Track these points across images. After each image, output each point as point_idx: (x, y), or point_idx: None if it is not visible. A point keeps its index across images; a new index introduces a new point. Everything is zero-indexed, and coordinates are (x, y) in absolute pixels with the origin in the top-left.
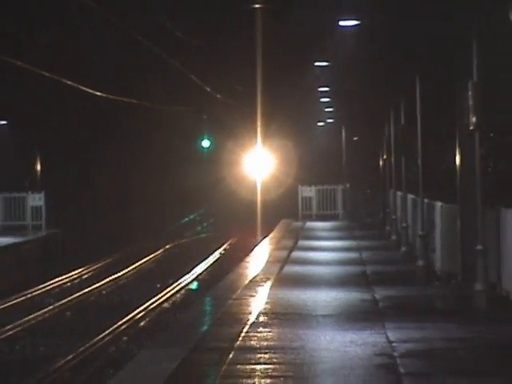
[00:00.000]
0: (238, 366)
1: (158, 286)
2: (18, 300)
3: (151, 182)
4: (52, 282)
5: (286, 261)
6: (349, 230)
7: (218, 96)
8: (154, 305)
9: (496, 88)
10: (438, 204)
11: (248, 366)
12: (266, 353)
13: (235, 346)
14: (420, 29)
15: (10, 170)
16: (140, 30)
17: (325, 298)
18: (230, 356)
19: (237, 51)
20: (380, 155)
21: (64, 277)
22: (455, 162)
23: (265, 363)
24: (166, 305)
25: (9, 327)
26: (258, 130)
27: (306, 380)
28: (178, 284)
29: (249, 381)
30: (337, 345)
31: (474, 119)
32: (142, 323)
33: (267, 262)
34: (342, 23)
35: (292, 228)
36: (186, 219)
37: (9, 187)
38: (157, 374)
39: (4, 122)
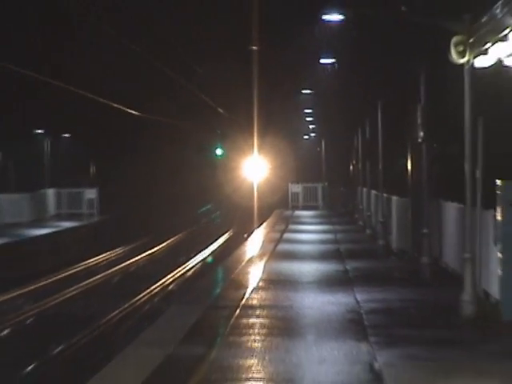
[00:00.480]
0: (243, 320)
1: (182, 259)
2: (76, 270)
3: (178, 182)
4: (101, 256)
5: (279, 240)
6: (326, 217)
7: (227, 115)
8: (179, 273)
9: (438, 110)
10: (394, 198)
11: (250, 320)
12: (263, 310)
13: (240, 304)
14: (382, 67)
15: (71, 171)
16: (168, 65)
17: (308, 269)
18: (237, 312)
19: (240, 80)
20: (350, 161)
21: (110, 252)
22: (407, 166)
23: (262, 317)
24: (188, 273)
25: (67, 291)
26: (255, 141)
27: (294, 330)
28: (197, 258)
29: (250, 331)
30: (318, 304)
31: (421, 134)
32: (169, 287)
33: (264, 241)
34: (322, 61)
35: (284, 216)
36: (203, 209)
37: (70, 185)
38: (182, 325)
39: (67, 135)
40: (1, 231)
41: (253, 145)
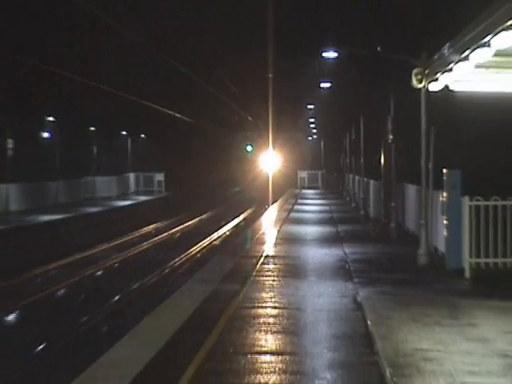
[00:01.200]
0: (265, 266)
1: (222, 223)
2: (148, 229)
3: (219, 170)
4: (166, 220)
5: (291, 210)
6: (324, 194)
7: (253, 121)
8: (221, 233)
9: (403, 120)
10: (371, 181)
11: (270, 266)
12: (279, 259)
13: (263, 255)
14: (364, 89)
15: (146, 161)
16: (213, 86)
17: (311, 231)
18: (261, 260)
19: (261, 97)
20: (341, 155)
21: (173, 217)
22: (381, 159)
23: (279, 264)
24: (226, 233)
25: (142, 244)
26: (271, 141)
27: (301, 273)
28: (233, 223)
29: (270, 273)
30: (318, 254)
31: (390, 137)
32: (214, 242)
33: (280, 210)
34: (322, 85)
35: (294, 193)
36: (235, 189)
37: (145, 170)
38: (223, 269)
39: (143, 136)
40: (98, 202)
41: (270, 144)
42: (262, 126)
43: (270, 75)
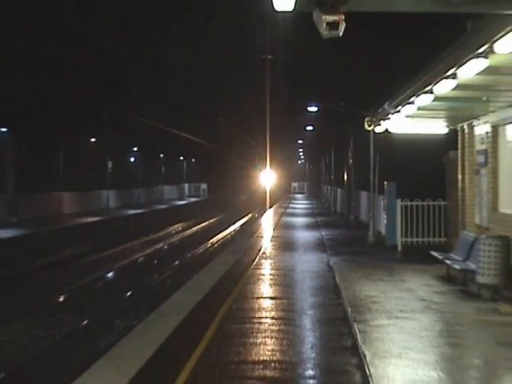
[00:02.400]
0: (269, 243)
1: (243, 214)
2: (194, 221)
3: (238, 183)
4: (202, 216)
5: (286, 208)
6: (308, 198)
7: (252, 143)
8: (237, 225)
9: (359, 151)
10: (338, 189)
11: (271, 243)
12: (278, 238)
13: (268, 235)
14: (334, 131)
15: (196, 176)
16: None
17: (300, 221)
18: (265, 238)
19: (262, 132)
20: (320, 172)
21: (209, 215)
22: (344, 175)
23: (277, 241)
24: (228, 236)
25: (189, 231)
26: (268, 162)
27: (292, 247)
28: (248, 216)
29: (271, 248)
30: (305, 235)
31: (350, 161)
32: (215, 245)
33: (279, 208)
34: (307, 128)
35: (289, 196)
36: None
37: (194, 181)
38: (242, 243)
39: (193, 159)
40: (165, 202)
41: (268, 165)
42: (260, 150)
43: (268, 118)
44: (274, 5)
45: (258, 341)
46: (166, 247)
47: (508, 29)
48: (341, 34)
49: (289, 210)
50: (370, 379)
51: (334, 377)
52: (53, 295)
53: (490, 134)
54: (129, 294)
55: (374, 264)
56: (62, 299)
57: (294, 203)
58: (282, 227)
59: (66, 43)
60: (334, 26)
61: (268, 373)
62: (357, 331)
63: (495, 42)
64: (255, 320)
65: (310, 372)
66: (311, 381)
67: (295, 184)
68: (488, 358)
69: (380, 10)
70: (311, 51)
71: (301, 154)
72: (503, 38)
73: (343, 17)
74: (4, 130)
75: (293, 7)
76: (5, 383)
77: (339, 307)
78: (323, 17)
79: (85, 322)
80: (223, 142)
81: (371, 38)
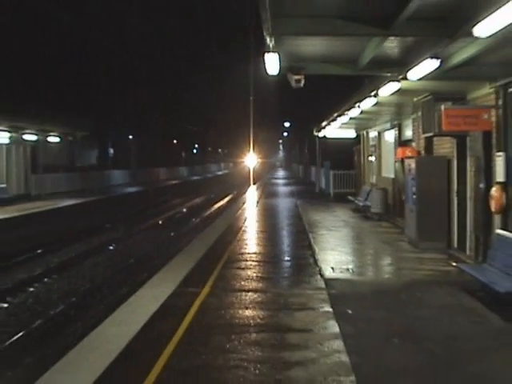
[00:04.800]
0: (258, 205)
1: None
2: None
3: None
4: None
5: (272, 174)
6: (284, 171)
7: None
8: (205, 214)
9: (312, 146)
10: (300, 166)
11: (260, 206)
12: (265, 203)
13: (257, 201)
14: (300, 136)
15: (213, 160)
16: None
17: (281, 190)
18: (256, 203)
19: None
20: (291, 157)
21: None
22: (303, 158)
23: (265, 204)
24: (217, 211)
25: (161, 217)
26: (262, 152)
27: (276, 207)
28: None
29: (261, 208)
30: (283, 202)
31: (306, 150)
32: (207, 220)
33: (269, 173)
34: (284, 134)
35: (274, 169)
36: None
37: (212, 162)
38: (236, 209)
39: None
40: (207, 173)
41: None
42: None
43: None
44: (267, 70)
45: (256, 242)
46: (212, 196)
47: (384, 83)
48: (302, 85)
49: (273, 175)
50: (317, 261)
51: (299, 260)
52: (166, 214)
53: (376, 137)
54: (193, 216)
55: (319, 203)
56: (171, 215)
57: (276, 172)
58: (270, 183)
59: None
60: (298, 81)
61: (261, 258)
62: (310, 237)
63: (379, 89)
64: (255, 230)
65: (287, 257)
66: (287, 262)
67: (278, 163)
68: (376, 248)
69: (319, 73)
70: (288, 94)
71: (280, 146)
72: (382, 88)
73: (303, 76)
74: (130, 137)
75: (278, 72)
76: None
77: (301, 224)
78: (292, 76)
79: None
80: (236, 144)
81: (321, 85)
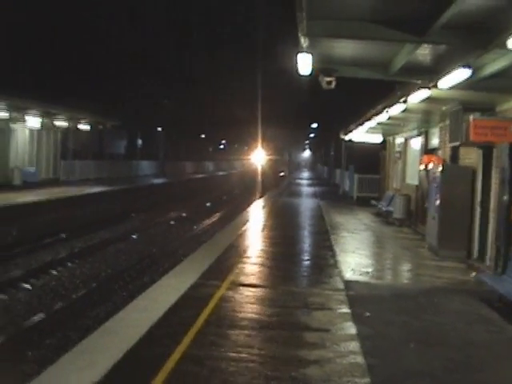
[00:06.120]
0: (281, 200)
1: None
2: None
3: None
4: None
5: (298, 175)
6: (309, 172)
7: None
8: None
9: (338, 149)
10: (325, 167)
11: (283, 202)
12: (286, 206)
13: (280, 199)
14: (326, 138)
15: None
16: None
17: (304, 190)
18: (279, 199)
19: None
20: (316, 159)
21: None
22: (328, 160)
23: (284, 208)
24: (240, 206)
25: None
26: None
27: (297, 211)
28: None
29: (282, 206)
30: (307, 202)
31: (332, 153)
32: (230, 215)
33: (295, 173)
34: (310, 135)
35: (300, 171)
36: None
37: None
38: (267, 200)
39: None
40: (230, 169)
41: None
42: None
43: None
44: (299, 71)
45: (278, 239)
46: (236, 191)
47: (414, 90)
48: (333, 87)
49: (297, 176)
50: (337, 262)
51: (320, 260)
52: (191, 206)
53: (402, 143)
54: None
55: (342, 206)
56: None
57: (301, 173)
58: (294, 183)
59: None
60: (329, 83)
61: (283, 256)
62: (332, 238)
63: (408, 95)
64: (278, 227)
65: (307, 257)
66: (308, 261)
67: (303, 163)
68: (396, 253)
69: (350, 76)
70: (316, 97)
71: (307, 147)
72: (412, 94)
73: (334, 78)
74: (159, 129)
75: (310, 73)
76: None
77: (324, 225)
78: (324, 78)
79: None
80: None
81: (351, 88)
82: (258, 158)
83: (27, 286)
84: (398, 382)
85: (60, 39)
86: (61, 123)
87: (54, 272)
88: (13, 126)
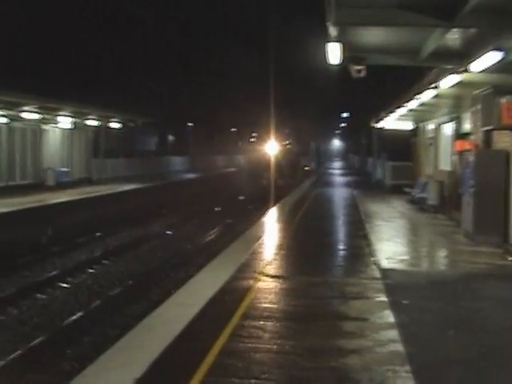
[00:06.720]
0: (316, 193)
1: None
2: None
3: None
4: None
5: (330, 164)
6: (340, 161)
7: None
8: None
9: (370, 137)
10: (356, 156)
11: (318, 194)
12: (320, 195)
13: (313, 191)
14: (357, 126)
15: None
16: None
17: (337, 180)
18: (313, 190)
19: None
20: (348, 148)
21: None
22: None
23: (319, 198)
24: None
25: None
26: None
27: (331, 201)
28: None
29: (318, 196)
30: (340, 192)
31: (363, 141)
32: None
33: (325, 169)
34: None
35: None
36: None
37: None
38: (298, 193)
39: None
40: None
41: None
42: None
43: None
44: (329, 60)
45: (313, 229)
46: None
47: (445, 75)
48: (362, 75)
49: (329, 166)
50: (373, 251)
51: (356, 249)
52: (224, 200)
53: (434, 129)
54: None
55: (375, 194)
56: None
57: (332, 163)
58: (326, 173)
59: None
60: (359, 71)
61: (318, 245)
62: (366, 227)
63: (439, 81)
64: (313, 217)
65: (343, 246)
66: (343, 251)
67: (334, 153)
68: (431, 239)
69: (380, 64)
70: (349, 88)
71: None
72: (443, 80)
73: (364, 67)
74: (189, 124)
75: (339, 62)
76: None
77: (357, 214)
78: (353, 66)
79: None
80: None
81: (381, 76)
82: (277, 149)
83: (64, 284)
84: (438, 370)
85: (88, 38)
86: (92, 122)
87: (91, 270)
88: (44, 127)
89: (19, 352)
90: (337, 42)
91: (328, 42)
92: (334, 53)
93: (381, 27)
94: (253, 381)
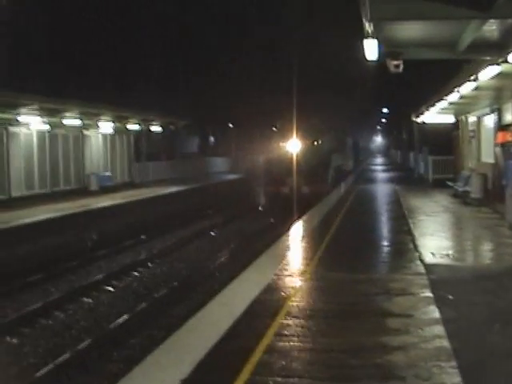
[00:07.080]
0: (359, 189)
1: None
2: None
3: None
4: None
5: (372, 160)
6: (382, 157)
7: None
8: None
9: (410, 132)
10: (398, 151)
11: (362, 190)
12: (362, 191)
13: (356, 186)
14: (398, 122)
15: None
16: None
17: (379, 176)
18: (356, 186)
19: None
20: (389, 143)
21: None
22: (401, 144)
23: (363, 192)
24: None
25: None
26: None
27: (374, 197)
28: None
29: (361, 192)
30: (383, 187)
31: (404, 137)
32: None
33: (366, 165)
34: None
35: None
36: None
37: None
38: (338, 191)
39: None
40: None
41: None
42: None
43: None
44: (366, 56)
45: (357, 225)
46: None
47: (484, 67)
48: (400, 70)
49: (370, 161)
50: (416, 246)
51: (399, 245)
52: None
53: (476, 122)
54: None
55: (417, 189)
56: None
57: (373, 158)
58: (367, 169)
59: None
60: (397, 66)
61: (362, 242)
62: (410, 223)
63: (479, 73)
64: (357, 213)
65: (386, 242)
66: (387, 247)
67: (375, 148)
68: (475, 233)
69: (418, 58)
70: (386, 79)
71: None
72: (482, 72)
73: (401, 62)
74: (230, 125)
75: (377, 58)
76: None
77: (400, 209)
78: (391, 62)
79: None
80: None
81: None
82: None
83: (110, 288)
84: (485, 365)
85: (125, 41)
86: (133, 126)
87: (136, 273)
88: (86, 132)
89: (67, 355)
90: (373, 38)
91: (364, 38)
92: (370, 49)
93: (416, 21)
94: (296, 379)
